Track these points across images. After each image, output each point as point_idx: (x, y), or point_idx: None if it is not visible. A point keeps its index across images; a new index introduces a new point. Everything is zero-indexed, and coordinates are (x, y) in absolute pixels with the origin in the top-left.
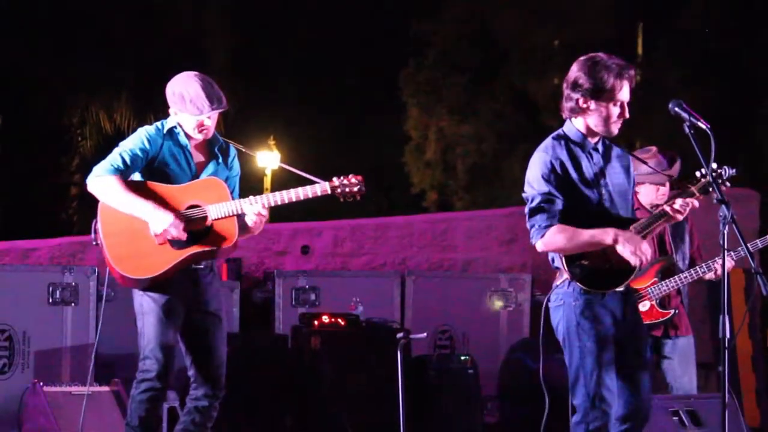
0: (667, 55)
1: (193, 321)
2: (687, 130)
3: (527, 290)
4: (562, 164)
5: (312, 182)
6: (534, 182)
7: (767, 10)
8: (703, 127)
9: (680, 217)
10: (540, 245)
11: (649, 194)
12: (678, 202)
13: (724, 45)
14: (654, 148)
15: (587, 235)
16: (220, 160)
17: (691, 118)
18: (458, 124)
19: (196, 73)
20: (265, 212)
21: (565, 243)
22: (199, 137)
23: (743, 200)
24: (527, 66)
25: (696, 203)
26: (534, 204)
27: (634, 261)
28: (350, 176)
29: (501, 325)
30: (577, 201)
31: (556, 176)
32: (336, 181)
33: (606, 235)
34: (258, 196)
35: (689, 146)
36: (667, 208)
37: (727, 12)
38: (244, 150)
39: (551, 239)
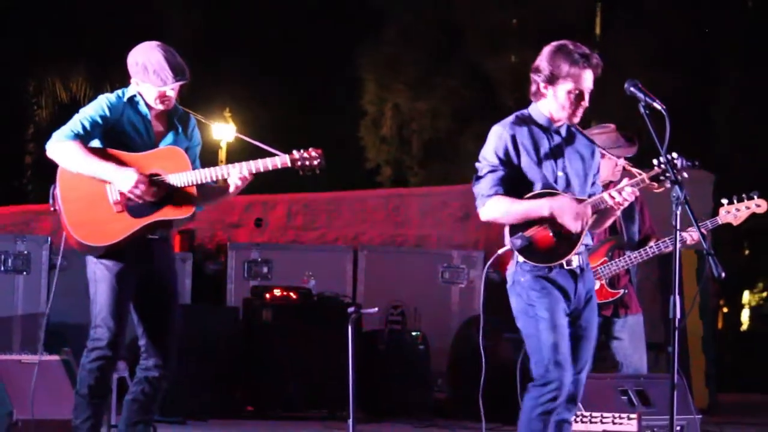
0: (626, 36)
1: (146, 291)
2: (642, 110)
3: (479, 267)
4: (517, 141)
5: (271, 154)
6: (486, 154)
7: None
8: (659, 107)
9: (624, 204)
10: (482, 214)
11: (606, 169)
12: (626, 190)
13: (683, 27)
14: (612, 125)
15: (524, 205)
16: (180, 130)
17: (647, 99)
18: (414, 100)
19: (159, 43)
20: (249, 176)
21: (502, 212)
22: (160, 107)
23: (697, 182)
24: (484, 44)
25: (636, 192)
26: (480, 173)
27: (575, 227)
28: (310, 150)
29: (452, 301)
30: (531, 179)
31: (508, 151)
32: (296, 154)
33: (542, 208)
34: (218, 167)
35: (646, 127)
36: (615, 194)
37: None
38: (203, 120)
39: (491, 208)
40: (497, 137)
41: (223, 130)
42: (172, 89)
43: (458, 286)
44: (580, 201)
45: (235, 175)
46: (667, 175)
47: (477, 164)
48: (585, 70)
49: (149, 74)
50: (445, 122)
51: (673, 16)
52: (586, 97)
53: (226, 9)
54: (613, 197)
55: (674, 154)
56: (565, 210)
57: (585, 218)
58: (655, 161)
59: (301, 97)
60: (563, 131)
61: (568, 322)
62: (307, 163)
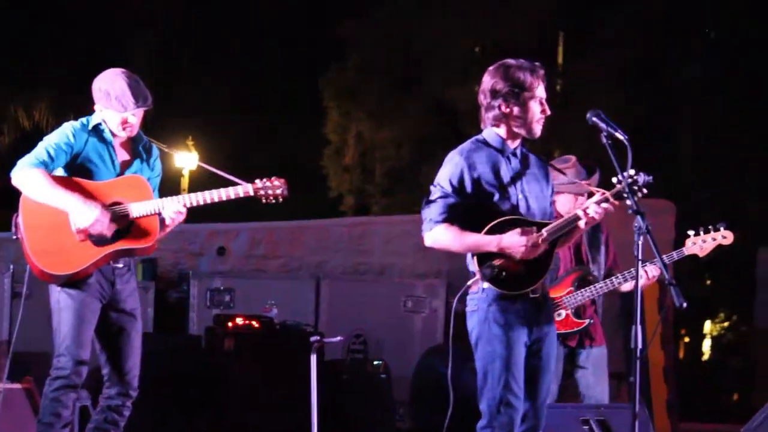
0: (588, 65)
1: (109, 320)
2: (604, 140)
3: (441, 296)
4: (474, 168)
5: (233, 183)
6: (441, 180)
7: (686, 22)
8: (621, 137)
9: (593, 222)
10: (427, 239)
11: (567, 204)
12: (592, 208)
13: (645, 56)
14: (573, 158)
15: (472, 239)
16: (144, 158)
17: (609, 129)
18: (378, 129)
19: (123, 70)
20: (183, 210)
21: (448, 242)
22: (124, 135)
23: (659, 211)
24: (447, 73)
25: (611, 208)
26: (431, 197)
27: (521, 255)
28: (273, 178)
29: (415, 330)
30: (490, 204)
31: (463, 179)
32: (259, 183)
33: (490, 244)
34: (181, 195)
35: (608, 157)
36: (580, 212)
37: (649, 24)
38: (166, 149)
39: (437, 235)
40: (453, 164)
41: (186, 159)
42: (134, 115)
43: (421, 315)
44: (541, 225)
45: (194, 202)
46: (631, 189)
47: (431, 187)
48: (541, 79)
49: (111, 100)
50: (408, 151)
51: (635, 44)
52: (547, 106)
53: (188, 37)
54: (578, 216)
55: (632, 171)
56: (515, 248)
57: (538, 249)
58: (614, 179)
59: (264, 126)
60: (518, 153)
61: (528, 352)
62: (270, 192)
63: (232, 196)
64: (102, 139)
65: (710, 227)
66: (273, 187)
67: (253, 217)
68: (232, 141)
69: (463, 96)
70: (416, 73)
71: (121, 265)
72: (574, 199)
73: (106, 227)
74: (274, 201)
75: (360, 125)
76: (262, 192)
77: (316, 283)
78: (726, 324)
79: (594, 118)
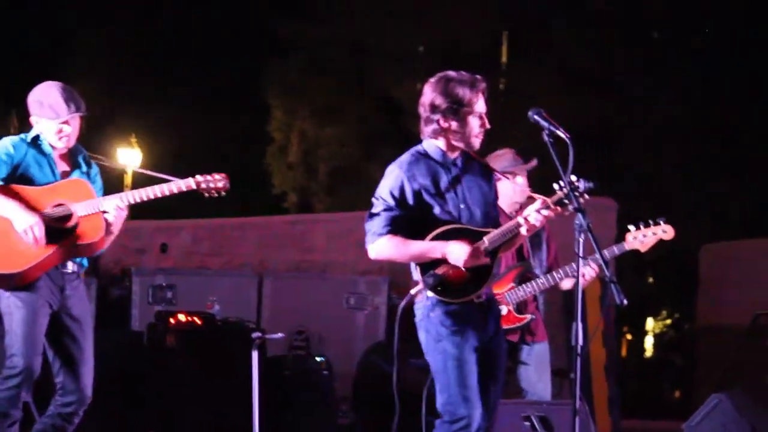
0: (532, 64)
1: (60, 326)
2: (546, 138)
3: (384, 293)
4: (414, 180)
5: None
6: (382, 193)
7: (630, 24)
8: (563, 136)
9: (534, 229)
10: (371, 251)
11: (508, 190)
12: (533, 215)
13: (590, 56)
14: (508, 149)
15: (416, 249)
16: (84, 170)
17: (551, 127)
18: (321, 127)
19: (57, 82)
20: (123, 206)
21: (392, 253)
22: (60, 145)
23: (601, 209)
24: (391, 71)
25: (551, 214)
26: (374, 210)
27: (462, 264)
28: (213, 174)
29: (357, 327)
30: (432, 215)
31: (404, 192)
32: (200, 177)
33: (434, 252)
34: (122, 193)
35: (550, 155)
36: (521, 220)
37: (593, 24)
38: (107, 162)
39: (381, 248)
40: (393, 177)
41: (129, 156)
42: (68, 124)
43: (363, 312)
44: (482, 233)
45: (136, 199)
46: (570, 197)
47: (373, 200)
48: (481, 93)
49: (44, 108)
50: (352, 149)
51: (578, 44)
52: (486, 120)
53: (133, 35)
54: (519, 224)
55: (574, 177)
56: (458, 257)
57: (480, 258)
58: (556, 185)
59: (207, 124)
60: (459, 162)
61: (477, 357)
62: (212, 185)
63: (175, 191)
64: (41, 152)
65: (650, 222)
66: (214, 180)
67: (195, 214)
68: (176, 139)
69: (407, 94)
70: (360, 72)
71: (69, 270)
72: (512, 185)
73: (41, 234)
74: (216, 195)
75: (304, 123)
76: (203, 185)
77: (258, 279)
78: (668, 321)
79: (535, 116)
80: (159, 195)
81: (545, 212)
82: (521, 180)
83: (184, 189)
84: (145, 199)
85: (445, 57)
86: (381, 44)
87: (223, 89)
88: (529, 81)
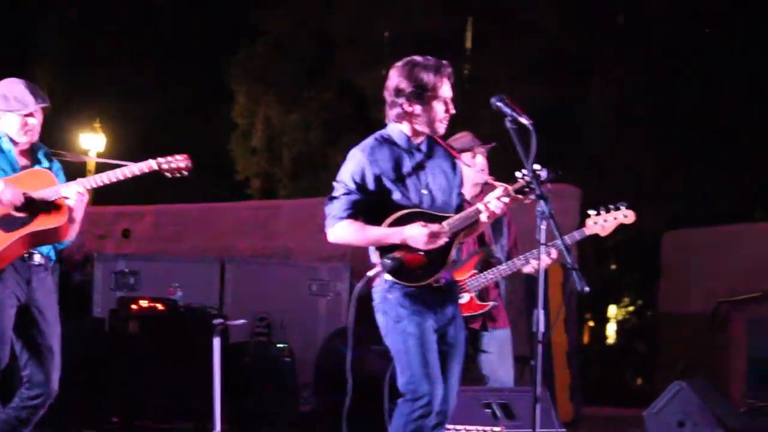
0: (497, 50)
1: (27, 319)
2: (508, 124)
3: (346, 280)
4: (376, 165)
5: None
6: (343, 177)
7: (596, 9)
8: (525, 122)
9: (495, 216)
10: (330, 235)
11: (466, 170)
12: (493, 202)
13: (554, 43)
14: (466, 132)
15: (375, 233)
16: (46, 165)
17: (513, 113)
18: (286, 113)
19: (20, 79)
20: (84, 191)
21: (352, 237)
22: (24, 139)
23: (563, 196)
24: (356, 57)
25: (512, 202)
26: (335, 194)
27: (422, 245)
28: (175, 155)
29: (319, 313)
30: (393, 199)
31: (365, 176)
32: (161, 159)
33: (392, 237)
34: (83, 178)
35: (514, 143)
36: (481, 206)
37: (561, 10)
38: (69, 157)
39: (340, 232)
40: (355, 161)
41: (93, 141)
42: (33, 116)
43: (325, 298)
44: (443, 217)
45: (99, 182)
46: (531, 186)
47: (334, 183)
48: (447, 79)
49: (10, 101)
50: (316, 135)
51: (544, 30)
52: (451, 104)
53: (97, 21)
54: (479, 210)
55: (537, 166)
56: (417, 239)
57: (440, 239)
58: (517, 174)
59: (171, 109)
60: (424, 147)
61: (436, 339)
62: (174, 165)
63: (137, 173)
64: (0, 149)
65: (611, 206)
66: (176, 161)
67: (158, 200)
68: (140, 124)
69: (372, 80)
70: (324, 58)
71: (36, 262)
72: (471, 163)
73: (16, 194)
74: (178, 175)
75: (268, 109)
76: (165, 166)
77: (221, 265)
78: (631, 308)
79: (498, 103)
80: (121, 178)
81: (506, 199)
82: (481, 159)
83: (146, 171)
84: (107, 182)
85: (410, 43)
86: (346, 31)
87: (188, 75)
88: (494, 67)
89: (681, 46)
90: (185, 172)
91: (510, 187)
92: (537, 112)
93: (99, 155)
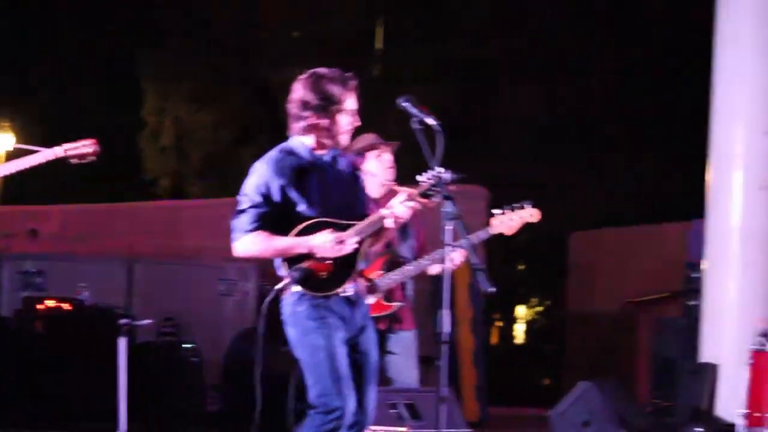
0: (407, 52)
1: None
2: (415, 126)
3: (253, 280)
4: (280, 177)
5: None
6: (248, 189)
7: (503, 13)
8: (432, 123)
9: (400, 221)
10: (237, 248)
11: (373, 167)
12: (397, 207)
13: (463, 45)
14: (370, 133)
15: (282, 244)
16: None
17: (420, 114)
18: (196, 112)
19: None
20: None
21: (259, 249)
22: None
23: (471, 197)
24: (267, 58)
25: (417, 206)
26: (241, 208)
27: (329, 253)
28: (82, 140)
29: (227, 314)
30: (298, 211)
31: (270, 189)
32: (67, 145)
33: (299, 247)
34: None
35: (420, 144)
36: (386, 212)
37: (475, 10)
38: None
39: (247, 245)
40: (259, 174)
41: (2, 141)
42: None
43: (232, 298)
44: (348, 226)
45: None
46: (435, 189)
47: (239, 197)
48: (352, 91)
49: None
50: (226, 135)
51: (453, 32)
52: (356, 117)
53: (4, 18)
54: (384, 216)
55: (440, 169)
56: (324, 247)
57: (347, 247)
58: (419, 177)
59: (80, 107)
60: (327, 158)
61: (347, 350)
62: (81, 151)
63: (43, 161)
64: None
65: (516, 205)
66: (82, 146)
67: (65, 199)
68: (48, 123)
69: (282, 81)
70: (236, 58)
71: None
72: (377, 162)
73: None
74: (86, 160)
75: (178, 108)
76: (71, 152)
77: (128, 265)
78: (539, 309)
79: (404, 104)
80: (27, 166)
81: (410, 204)
82: (387, 156)
83: (53, 158)
84: (14, 171)
85: (322, 44)
86: (257, 31)
87: (96, 72)
88: (404, 68)
89: (586, 52)
90: (93, 158)
91: (413, 192)
92: (445, 112)
93: (9, 154)
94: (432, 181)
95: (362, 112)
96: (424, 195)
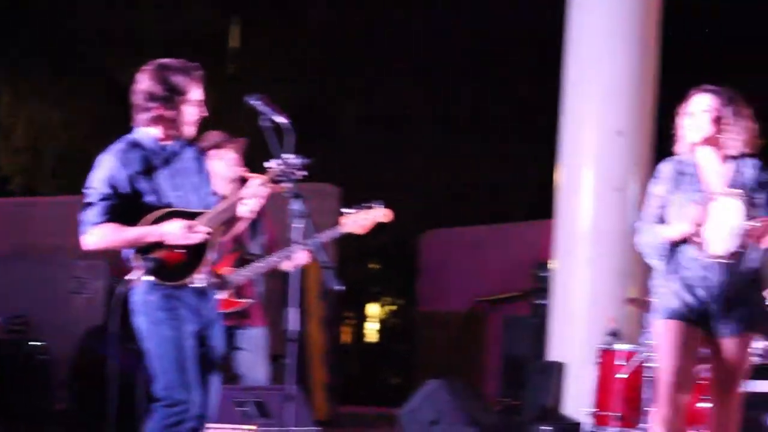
0: (261, 50)
1: None
2: (264, 123)
3: (103, 277)
4: (127, 168)
5: None
6: (95, 182)
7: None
8: (281, 121)
9: (253, 207)
10: (87, 242)
11: (218, 166)
12: (248, 193)
13: (316, 43)
14: (217, 131)
15: (132, 234)
16: None
17: (269, 112)
18: (50, 110)
19: None
20: None
21: (109, 241)
22: None
23: (322, 195)
24: (121, 55)
25: (268, 192)
26: (88, 201)
27: (180, 241)
28: None
29: (76, 311)
30: (146, 202)
31: (117, 180)
32: None
33: (150, 236)
34: None
35: (269, 141)
36: (237, 199)
37: (330, 11)
38: None
39: (97, 237)
40: (105, 167)
41: None
42: None
43: (82, 296)
44: (198, 214)
45: None
46: (285, 172)
47: (86, 191)
48: (199, 82)
49: None
50: (80, 133)
51: (306, 32)
52: (202, 108)
53: None
54: (235, 202)
55: (288, 154)
56: (174, 234)
57: (198, 235)
58: (266, 164)
59: None
60: (174, 148)
61: (196, 342)
62: None
63: None
64: None
65: (366, 205)
66: None
67: None
68: None
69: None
70: (89, 56)
71: None
72: (220, 161)
73: None
74: None
75: (31, 106)
76: None
77: None
78: (393, 308)
79: (253, 102)
80: None
81: (260, 190)
82: (232, 155)
83: None
84: None
85: (175, 42)
86: (110, 28)
87: None
88: (259, 67)
89: (445, 47)
90: None
91: (263, 177)
92: (298, 111)
93: None
94: (281, 166)
95: (216, 110)
96: (274, 181)
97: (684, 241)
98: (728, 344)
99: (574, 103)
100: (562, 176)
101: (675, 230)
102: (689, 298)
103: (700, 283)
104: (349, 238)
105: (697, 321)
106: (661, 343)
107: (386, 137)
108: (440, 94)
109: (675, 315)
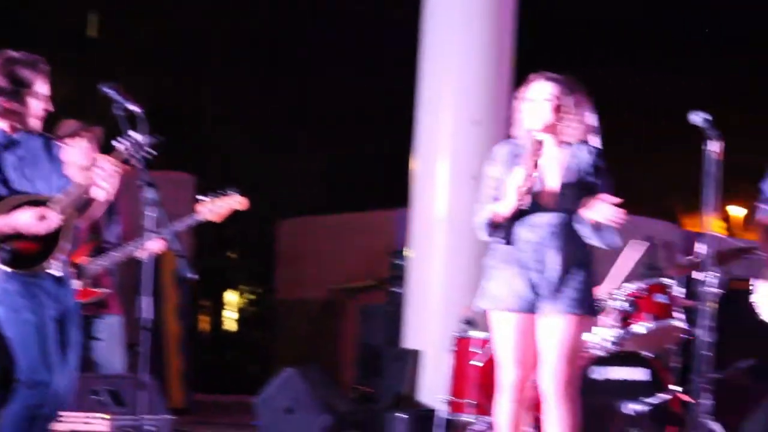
0: (117, 39)
1: None
2: (117, 111)
3: None
4: None
5: None
6: None
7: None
8: (134, 110)
9: (105, 189)
10: None
11: (72, 154)
12: (97, 175)
13: (173, 33)
14: (73, 120)
15: None
16: None
17: (123, 100)
18: None
19: None
20: None
21: None
22: None
23: (178, 184)
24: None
25: (119, 172)
26: None
27: (33, 230)
28: None
29: None
30: (2, 194)
31: None
32: None
33: (4, 227)
34: None
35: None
36: (88, 182)
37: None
38: None
39: None
40: None
41: None
42: None
43: None
44: (50, 200)
45: None
46: (133, 150)
47: None
48: (44, 75)
49: None
50: None
51: (166, 23)
52: (48, 102)
53: None
54: (86, 185)
55: (136, 134)
56: (28, 223)
57: (51, 221)
58: (114, 142)
59: None
60: (21, 139)
61: (55, 327)
62: None
63: None
64: None
65: (221, 192)
66: None
67: None
68: None
69: None
70: None
71: None
72: (75, 149)
73: None
74: None
75: None
76: None
77: None
78: (252, 297)
79: (107, 90)
80: None
81: (110, 168)
82: (85, 143)
83: None
84: None
85: (35, 34)
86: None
87: None
88: (118, 57)
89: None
90: None
91: (112, 157)
92: (154, 100)
93: None
94: (128, 144)
95: (73, 99)
96: (124, 161)
97: (516, 218)
98: (555, 323)
99: (431, 93)
100: (418, 165)
101: (503, 204)
102: (520, 285)
103: (533, 267)
104: (206, 226)
105: (528, 309)
106: (495, 335)
107: (245, 127)
108: (304, 85)
109: (507, 306)
